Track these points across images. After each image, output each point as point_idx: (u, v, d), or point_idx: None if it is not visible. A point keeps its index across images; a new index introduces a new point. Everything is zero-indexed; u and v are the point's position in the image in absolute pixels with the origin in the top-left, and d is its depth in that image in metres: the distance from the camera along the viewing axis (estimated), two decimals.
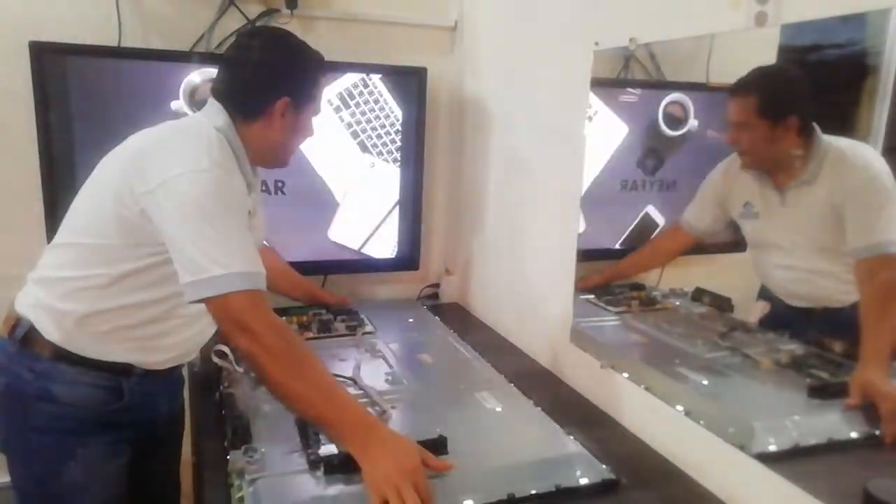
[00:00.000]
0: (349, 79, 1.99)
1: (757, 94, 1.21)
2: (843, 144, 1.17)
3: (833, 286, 1.22)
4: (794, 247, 1.27)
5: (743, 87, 1.24)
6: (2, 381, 1.26)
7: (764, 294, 1.37)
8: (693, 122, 1.56)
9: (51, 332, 1.25)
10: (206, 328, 1.39)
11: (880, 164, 1.08)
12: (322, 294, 2.01)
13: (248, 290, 1.13)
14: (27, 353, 1.25)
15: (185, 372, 1.54)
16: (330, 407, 1.13)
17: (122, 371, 1.30)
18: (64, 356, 1.25)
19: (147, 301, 1.26)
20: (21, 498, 1.32)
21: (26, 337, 1.25)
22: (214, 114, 1.30)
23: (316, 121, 1.42)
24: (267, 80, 1.31)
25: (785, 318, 1.32)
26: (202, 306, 1.15)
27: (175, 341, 1.34)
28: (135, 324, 1.27)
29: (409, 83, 2.05)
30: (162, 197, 1.14)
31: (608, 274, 1.71)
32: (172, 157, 1.16)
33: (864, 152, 1.12)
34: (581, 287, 1.60)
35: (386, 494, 1.05)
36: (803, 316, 1.28)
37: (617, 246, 1.71)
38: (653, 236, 1.67)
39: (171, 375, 1.44)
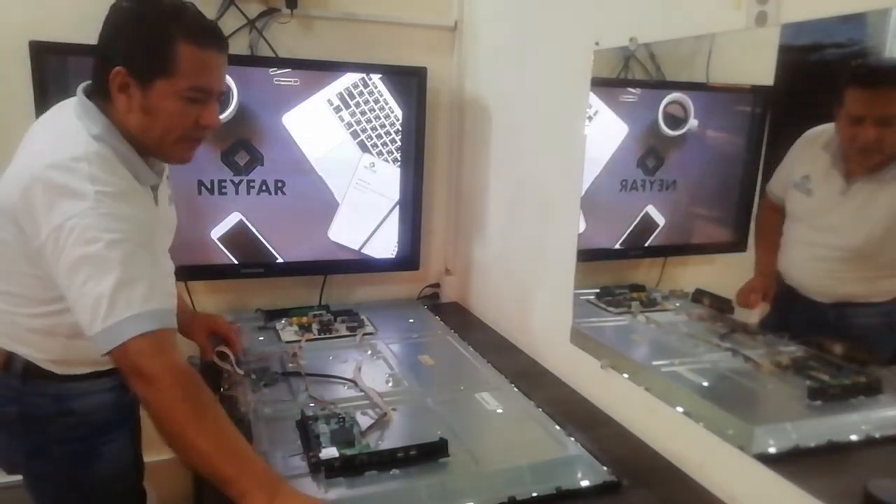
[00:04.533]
0: (349, 79, 1.99)
1: None
2: None
3: (854, 284, 1.19)
4: (837, 237, 1.21)
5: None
6: (14, 409, 1.23)
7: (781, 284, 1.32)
8: (693, 122, 1.55)
9: (47, 364, 1.22)
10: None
11: None
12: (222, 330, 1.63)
13: (147, 332, 1.01)
14: (35, 383, 1.22)
15: None
16: (231, 464, 1.00)
17: None
18: (69, 377, 1.24)
19: None
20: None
21: (27, 371, 1.21)
22: (86, 114, 1.13)
23: (205, 106, 1.14)
24: (100, 48, 1.12)
25: (795, 309, 1.30)
26: None
27: None
28: None
29: (409, 83, 2.05)
30: (50, 249, 1.03)
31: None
32: (53, 201, 1.02)
33: None
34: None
35: None
36: (814, 308, 1.25)
37: (617, 246, 1.70)
38: (756, 222, 1.42)
39: None
